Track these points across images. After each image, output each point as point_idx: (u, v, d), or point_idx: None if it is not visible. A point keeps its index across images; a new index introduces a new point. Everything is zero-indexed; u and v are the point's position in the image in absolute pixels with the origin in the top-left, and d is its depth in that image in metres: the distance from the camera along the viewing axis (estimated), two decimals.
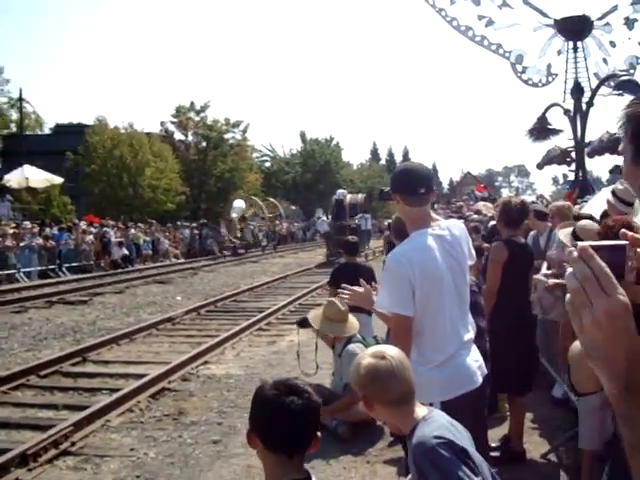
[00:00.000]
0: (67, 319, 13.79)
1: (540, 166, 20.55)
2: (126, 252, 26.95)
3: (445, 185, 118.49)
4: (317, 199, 62.65)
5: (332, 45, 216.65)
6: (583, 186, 17.42)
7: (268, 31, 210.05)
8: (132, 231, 28.69)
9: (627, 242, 1.10)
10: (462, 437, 2.38)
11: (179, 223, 36.36)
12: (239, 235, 36.42)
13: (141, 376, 8.37)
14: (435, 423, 2.38)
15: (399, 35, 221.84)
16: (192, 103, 48.69)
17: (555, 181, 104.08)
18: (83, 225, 27.03)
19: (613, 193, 6.62)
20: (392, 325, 3.35)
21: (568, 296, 1.07)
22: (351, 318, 6.46)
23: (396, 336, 3.28)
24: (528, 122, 19.28)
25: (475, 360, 3.41)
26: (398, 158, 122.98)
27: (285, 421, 2.01)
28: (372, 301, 3.81)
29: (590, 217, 6.04)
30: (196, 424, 6.72)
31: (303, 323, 6.70)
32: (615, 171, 11.61)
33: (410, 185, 3.33)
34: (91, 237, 25.77)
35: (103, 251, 26.08)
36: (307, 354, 7.29)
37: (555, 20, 19.65)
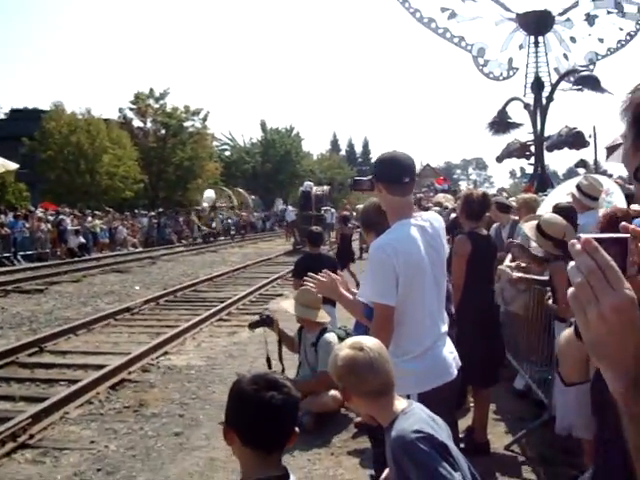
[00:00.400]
0: (23, 308, 13.51)
1: (500, 159, 20.77)
2: (83, 240, 26.57)
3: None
4: (277, 189, 62.48)
5: (293, 34, 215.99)
6: (541, 179, 17.67)
7: (229, 18, 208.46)
8: (89, 219, 28.24)
9: (628, 235, 1.07)
10: (442, 431, 2.36)
11: (137, 211, 35.91)
12: (210, 223, 38.40)
13: (100, 367, 8.23)
14: (415, 417, 2.35)
15: (360, 26, 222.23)
16: (151, 90, 48.03)
17: (513, 174, 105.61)
18: (39, 212, 26.53)
19: (578, 187, 6.70)
20: (374, 315, 3.31)
21: (571, 290, 1.04)
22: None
23: (377, 326, 3.24)
24: (488, 115, 19.47)
25: (450, 352, 3.42)
26: (358, 149, 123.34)
27: (265, 417, 1.95)
28: (337, 290, 3.77)
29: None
30: (157, 416, 6.61)
31: (254, 325, 6.68)
32: (580, 165, 11.77)
33: (395, 174, 3.31)
34: (47, 225, 25.29)
35: (59, 239, 25.64)
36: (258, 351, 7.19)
37: (517, 14, 19.83)
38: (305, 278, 3.77)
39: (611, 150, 13.43)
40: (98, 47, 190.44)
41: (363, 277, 3.41)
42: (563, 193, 7.35)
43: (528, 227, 5.52)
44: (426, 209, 12.75)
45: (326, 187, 36.01)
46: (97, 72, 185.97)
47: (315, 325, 6.37)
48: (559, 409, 5.35)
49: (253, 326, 6.69)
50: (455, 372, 3.38)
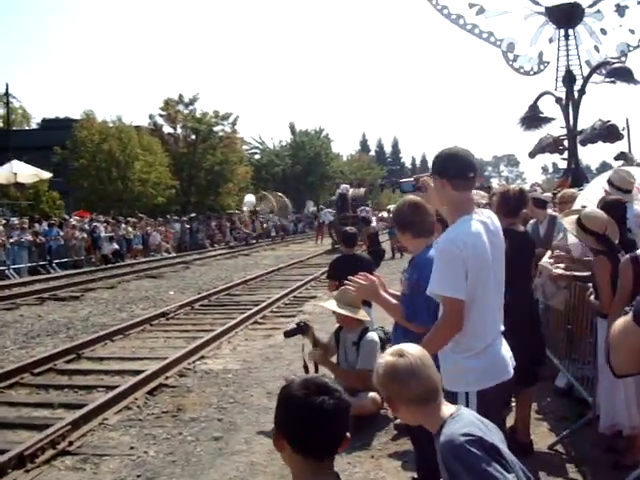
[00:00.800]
0: (59, 315, 13.64)
1: (532, 155, 20.49)
2: (117, 247, 26.77)
3: None
4: (307, 191, 62.56)
5: (321, 36, 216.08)
6: (576, 174, 17.39)
7: (257, 23, 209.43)
8: (123, 226, 28.48)
9: None
10: (492, 434, 2.29)
11: (169, 217, 36.16)
12: (251, 227, 40.43)
13: (137, 372, 8.26)
14: (463, 420, 2.29)
15: (389, 25, 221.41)
16: (180, 96, 48.32)
17: (545, 170, 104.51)
18: (73, 221, 26.80)
19: (609, 182, 6.56)
20: (443, 310, 3.24)
21: None
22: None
23: (446, 321, 3.21)
24: (519, 111, 19.20)
25: (507, 350, 3.38)
26: (387, 149, 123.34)
27: (316, 422, 1.88)
28: (377, 292, 3.72)
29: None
30: (195, 420, 6.60)
31: (289, 333, 6.64)
32: (621, 157, 11.53)
33: (459, 169, 3.30)
34: (82, 233, 25.55)
35: (93, 246, 25.86)
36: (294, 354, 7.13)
37: (546, 8, 19.54)
38: (345, 281, 3.73)
39: None
40: (128, 55, 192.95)
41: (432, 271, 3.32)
42: (598, 187, 7.21)
43: (568, 222, 5.41)
44: None
45: (362, 189, 36.69)
46: (127, 80, 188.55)
47: (356, 323, 6.32)
48: (603, 407, 5.25)
49: (289, 334, 6.64)
50: (512, 371, 3.34)
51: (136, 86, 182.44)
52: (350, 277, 3.73)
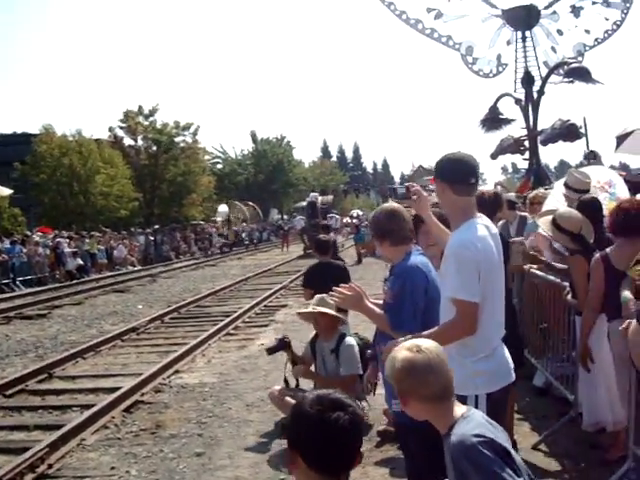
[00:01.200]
0: (27, 334, 13.38)
1: (494, 156, 20.72)
2: (81, 262, 26.41)
3: (397, 179, 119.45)
4: (271, 199, 62.49)
5: (278, 43, 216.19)
6: (538, 174, 17.61)
7: (214, 32, 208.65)
8: (87, 240, 28.12)
9: None
10: (501, 437, 2.28)
11: (133, 230, 35.78)
12: (225, 235, 42.59)
13: (112, 390, 8.13)
14: (475, 421, 2.28)
15: (347, 30, 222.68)
16: (140, 107, 47.97)
17: (504, 170, 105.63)
18: (36, 237, 26.38)
19: (566, 184, 6.67)
20: (457, 313, 3.22)
21: None
22: None
23: (459, 323, 3.19)
24: (479, 113, 19.38)
25: (509, 353, 3.39)
26: (349, 154, 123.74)
27: (332, 439, 1.85)
28: (362, 302, 3.70)
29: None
30: (176, 437, 6.50)
31: (272, 350, 6.63)
32: (590, 157, 11.69)
33: (461, 174, 3.31)
34: (45, 249, 25.16)
35: (57, 262, 25.49)
36: (278, 356, 7.10)
37: (503, 10, 19.81)
38: (331, 292, 3.71)
39: (621, 139, 13.25)
40: (84, 68, 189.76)
41: (444, 274, 3.34)
42: (559, 194, 7.29)
43: (543, 222, 5.47)
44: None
45: (330, 196, 40.20)
46: (85, 92, 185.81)
47: (332, 331, 6.28)
48: (585, 405, 5.31)
49: (271, 351, 6.66)
50: (514, 373, 3.38)
51: (94, 98, 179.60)
52: (334, 287, 3.69)
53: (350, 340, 6.34)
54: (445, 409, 2.33)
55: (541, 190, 8.72)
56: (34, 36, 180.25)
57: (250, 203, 52.79)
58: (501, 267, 3.41)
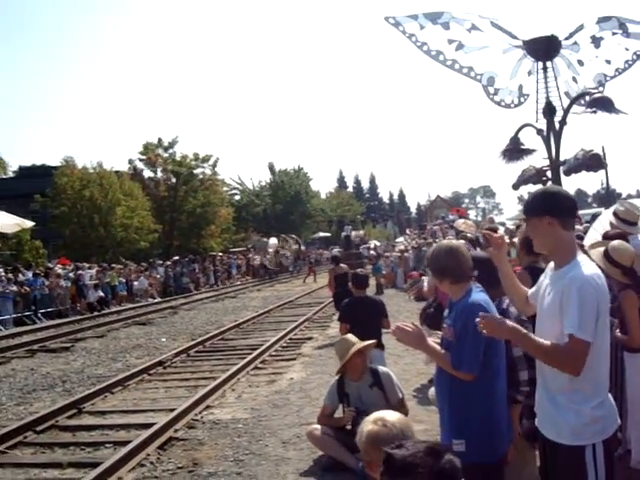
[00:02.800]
0: (52, 368, 13.34)
1: (516, 186, 20.65)
2: (102, 294, 26.47)
3: (413, 210, 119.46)
4: (289, 229, 62.57)
5: (297, 75, 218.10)
6: None
7: (232, 64, 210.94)
8: (109, 272, 28.21)
9: None
10: None
11: (152, 261, 35.88)
12: (274, 263, 47.29)
13: (143, 426, 8.04)
14: None
15: (365, 61, 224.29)
16: (160, 139, 48.49)
17: (521, 200, 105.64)
18: (58, 269, 26.50)
19: (615, 214, 6.55)
20: (569, 349, 3.02)
21: None
22: None
23: (567, 359, 3.01)
24: (499, 143, 19.36)
25: None
26: (365, 185, 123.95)
27: None
28: (424, 341, 3.64)
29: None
30: (214, 475, 6.36)
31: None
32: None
33: (569, 208, 3.24)
34: (67, 281, 25.26)
35: (78, 294, 25.57)
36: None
37: (524, 41, 19.88)
38: (393, 329, 3.63)
39: None
40: (105, 100, 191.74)
41: (564, 309, 3.10)
42: (607, 220, 7.19)
43: (595, 254, 5.36)
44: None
45: (362, 232, 53.25)
46: (105, 125, 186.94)
47: (362, 370, 6.19)
48: (635, 442, 5.16)
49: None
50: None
51: (115, 131, 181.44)
52: (398, 325, 3.63)
53: (383, 368, 6.39)
54: None
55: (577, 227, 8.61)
56: (53, 69, 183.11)
57: (293, 236, 56.13)
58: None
